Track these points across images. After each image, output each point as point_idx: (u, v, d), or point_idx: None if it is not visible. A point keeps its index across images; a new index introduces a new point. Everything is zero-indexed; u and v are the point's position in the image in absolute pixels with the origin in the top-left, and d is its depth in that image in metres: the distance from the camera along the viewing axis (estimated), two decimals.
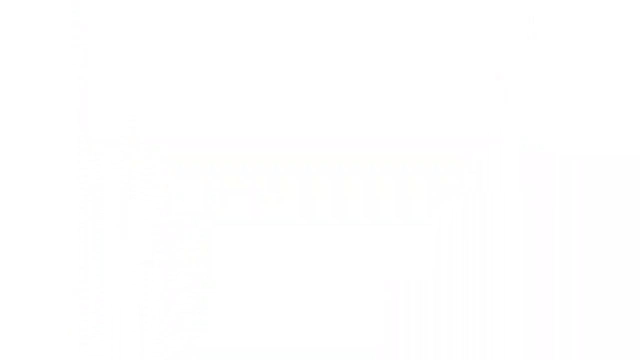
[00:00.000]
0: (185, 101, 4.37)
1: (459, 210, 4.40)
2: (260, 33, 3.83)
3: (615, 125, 4.37)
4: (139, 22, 4.34)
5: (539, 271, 4.34)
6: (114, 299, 4.31)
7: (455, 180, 4.41)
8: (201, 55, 4.33)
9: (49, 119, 4.35)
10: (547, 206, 4.39)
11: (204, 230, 4.35)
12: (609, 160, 4.37)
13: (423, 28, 4.33)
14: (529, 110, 4.38)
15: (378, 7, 4.19)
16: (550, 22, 4.36)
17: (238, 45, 4.26)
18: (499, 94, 4.40)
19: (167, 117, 4.37)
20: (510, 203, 4.39)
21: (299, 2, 3.97)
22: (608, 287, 4.31)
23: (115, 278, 4.34)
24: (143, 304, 4.31)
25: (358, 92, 4.03)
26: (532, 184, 4.40)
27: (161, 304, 4.33)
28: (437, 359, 4.24)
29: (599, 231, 4.36)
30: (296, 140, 4.24)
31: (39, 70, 4.32)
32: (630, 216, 4.37)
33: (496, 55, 4.38)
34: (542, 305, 4.31)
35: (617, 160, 4.38)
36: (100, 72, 4.36)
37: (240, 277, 4.14)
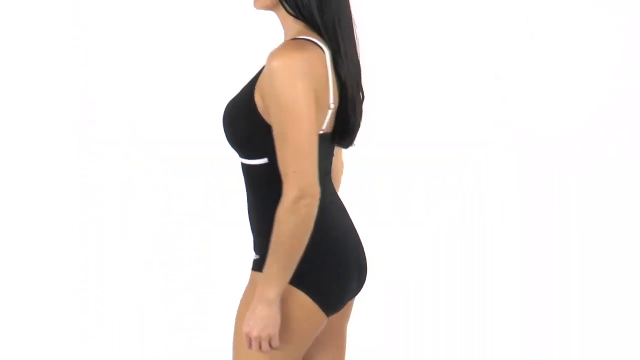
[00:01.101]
0: (185, 101, 4.37)
1: (458, 210, 4.40)
2: (259, 33, 3.83)
3: (614, 125, 4.39)
4: (139, 22, 4.35)
5: (539, 271, 4.35)
6: (114, 299, 4.31)
7: (454, 181, 4.42)
8: (201, 55, 4.33)
9: (49, 119, 4.35)
10: (546, 206, 4.40)
11: (204, 230, 4.35)
12: (607, 160, 4.39)
13: (422, 28, 4.34)
14: (528, 110, 4.39)
15: (376, 7, 4.20)
16: (549, 22, 4.38)
17: (237, 45, 4.27)
18: (498, 94, 4.41)
19: (167, 117, 4.37)
20: (510, 203, 4.40)
21: None
22: (607, 286, 4.33)
23: (115, 278, 4.33)
24: (143, 304, 4.31)
25: None
26: (531, 184, 4.41)
27: (161, 304, 4.33)
28: (437, 359, 4.24)
29: (598, 231, 4.37)
30: None
31: (39, 70, 4.32)
32: (629, 216, 4.38)
33: (495, 55, 4.39)
34: (542, 304, 4.31)
35: (616, 160, 4.39)
36: (100, 72, 4.36)
37: (240, 277, 4.14)
